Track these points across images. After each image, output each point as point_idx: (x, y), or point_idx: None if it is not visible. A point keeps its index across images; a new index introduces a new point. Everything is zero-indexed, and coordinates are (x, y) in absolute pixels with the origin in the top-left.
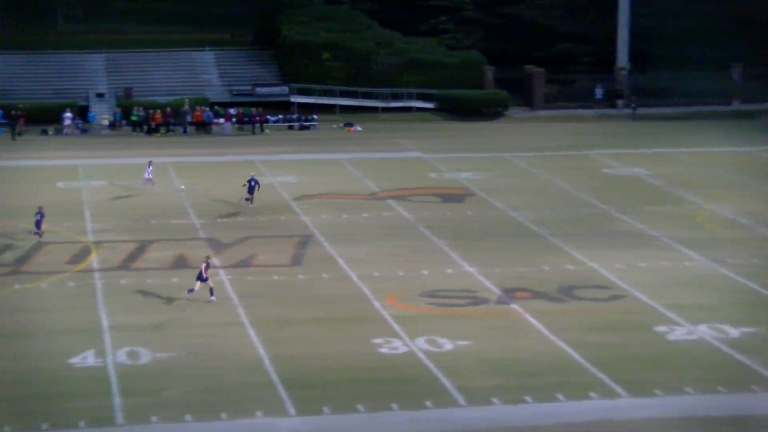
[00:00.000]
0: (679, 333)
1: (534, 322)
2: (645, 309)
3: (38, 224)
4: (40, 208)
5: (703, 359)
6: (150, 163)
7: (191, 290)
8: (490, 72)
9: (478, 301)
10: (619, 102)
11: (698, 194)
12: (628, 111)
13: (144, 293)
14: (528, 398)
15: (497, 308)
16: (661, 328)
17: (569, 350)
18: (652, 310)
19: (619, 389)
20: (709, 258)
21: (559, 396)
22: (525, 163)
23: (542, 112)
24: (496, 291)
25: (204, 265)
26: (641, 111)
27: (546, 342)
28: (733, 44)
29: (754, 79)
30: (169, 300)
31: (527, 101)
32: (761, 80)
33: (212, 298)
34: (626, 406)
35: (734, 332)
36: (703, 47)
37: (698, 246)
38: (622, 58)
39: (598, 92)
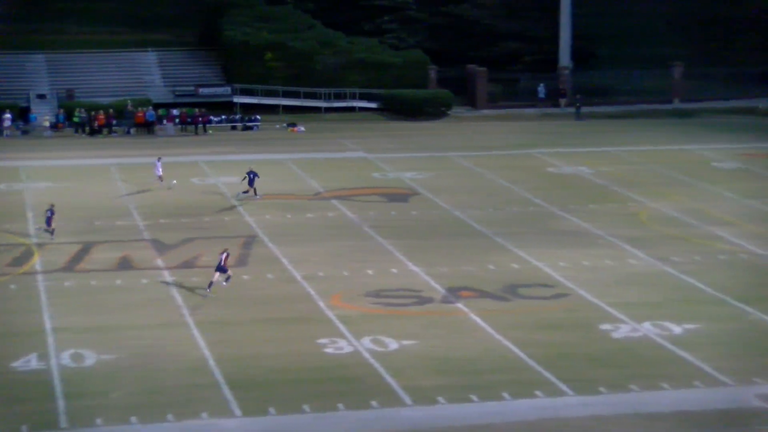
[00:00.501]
0: (624, 330)
1: (479, 320)
2: (589, 307)
3: (48, 221)
4: (51, 205)
5: (647, 356)
6: (159, 159)
7: (210, 285)
8: (433, 71)
9: (423, 300)
10: (562, 101)
11: (641, 192)
12: (572, 110)
13: (88, 295)
14: (474, 397)
15: (442, 307)
16: (605, 326)
17: (514, 349)
18: (597, 308)
19: (564, 387)
20: (652, 256)
21: (505, 394)
22: (469, 163)
23: (486, 111)
24: (441, 290)
25: (224, 255)
26: (584, 110)
27: (491, 341)
28: (674, 43)
29: (694, 77)
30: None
31: (471, 100)
32: (701, 79)
33: (224, 284)
34: (571, 403)
35: (677, 329)
36: (644, 46)
37: (642, 244)
38: (565, 57)
39: (541, 91)
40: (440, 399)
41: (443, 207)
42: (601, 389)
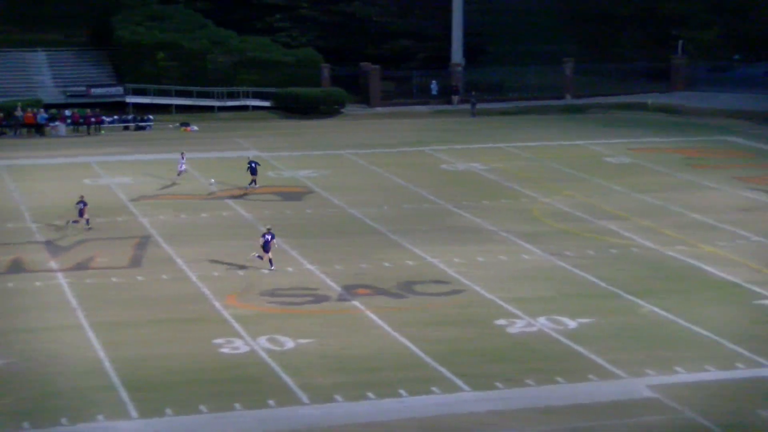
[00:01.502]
0: (519, 326)
1: (375, 318)
2: (485, 303)
3: (81, 213)
4: (82, 197)
5: (543, 351)
6: (183, 155)
7: (260, 257)
8: (326, 70)
9: (319, 298)
10: (455, 98)
11: (534, 188)
12: (465, 107)
13: None
14: (370, 394)
15: (338, 305)
16: (500, 322)
17: (411, 346)
18: (492, 304)
19: (460, 383)
20: (546, 251)
21: (402, 391)
22: (363, 160)
23: (379, 109)
24: (337, 288)
25: (269, 236)
26: (478, 106)
27: (387, 338)
28: (565, 40)
29: (585, 73)
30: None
31: (364, 98)
32: (591, 75)
33: (254, 254)
34: (468, 399)
35: (572, 323)
36: (535, 43)
37: (536, 239)
38: (457, 54)
39: (434, 88)
40: (337, 397)
41: (338, 205)
42: (498, 384)
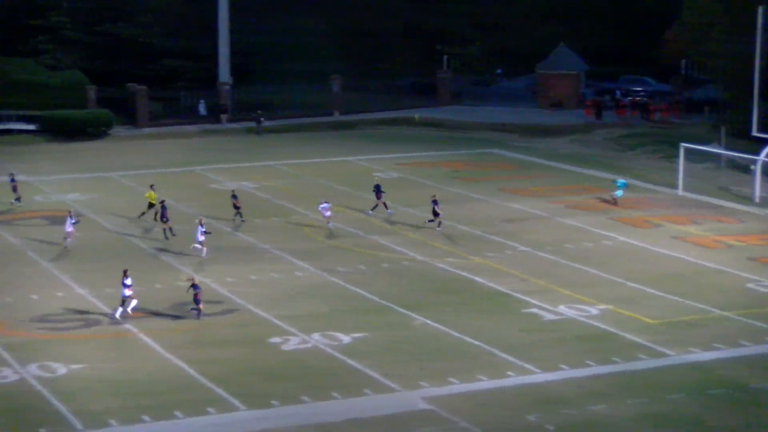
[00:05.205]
0: (293, 343)
1: (149, 340)
2: (259, 321)
3: (163, 215)
4: (163, 201)
5: (318, 367)
6: (326, 202)
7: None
8: (92, 91)
9: (90, 323)
10: (224, 117)
11: (305, 205)
12: (235, 126)
13: None
14: (146, 417)
15: (111, 329)
16: (275, 339)
17: (185, 367)
18: (266, 322)
19: (237, 402)
20: (318, 267)
21: (178, 413)
22: (132, 182)
23: (147, 130)
24: (109, 312)
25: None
26: (243, 125)
27: (161, 360)
28: (332, 57)
29: (353, 90)
30: None
31: (132, 120)
32: (360, 91)
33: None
34: (244, 418)
35: (346, 339)
36: (302, 61)
37: (308, 256)
38: (224, 73)
39: (202, 108)
40: (112, 422)
41: (108, 228)
42: (274, 402)
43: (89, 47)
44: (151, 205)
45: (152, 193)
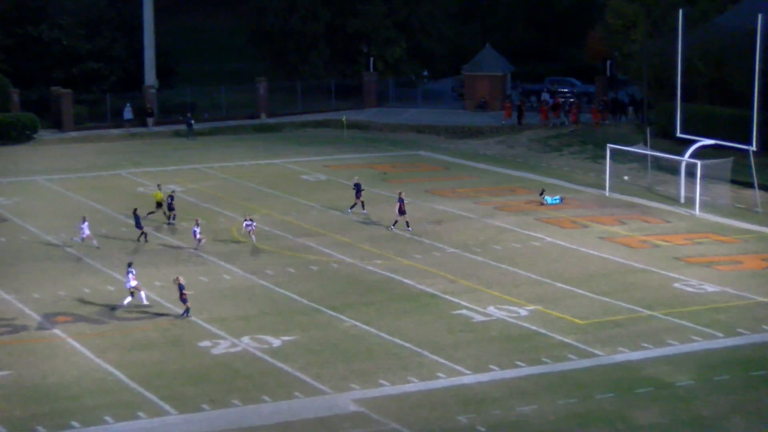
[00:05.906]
0: (223, 346)
1: (77, 345)
2: (187, 325)
3: (170, 206)
4: (173, 191)
5: (248, 370)
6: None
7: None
8: (15, 94)
9: (16, 328)
10: (150, 120)
11: (232, 208)
12: (161, 129)
13: None
14: (75, 423)
15: (38, 334)
16: (205, 343)
17: (114, 371)
18: (195, 326)
19: (167, 407)
20: (246, 270)
21: (107, 418)
22: (57, 186)
23: (72, 134)
24: (36, 317)
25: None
26: (166, 128)
27: (90, 364)
28: (256, 58)
29: (279, 92)
30: None
31: (57, 123)
32: (285, 93)
33: (409, 229)
34: (175, 422)
35: (276, 341)
36: (226, 62)
37: (235, 259)
38: (150, 76)
39: (128, 111)
40: (39, 428)
41: (33, 232)
42: (204, 406)
43: (10, 49)
44: (158, 204)
45: (159, 192)
